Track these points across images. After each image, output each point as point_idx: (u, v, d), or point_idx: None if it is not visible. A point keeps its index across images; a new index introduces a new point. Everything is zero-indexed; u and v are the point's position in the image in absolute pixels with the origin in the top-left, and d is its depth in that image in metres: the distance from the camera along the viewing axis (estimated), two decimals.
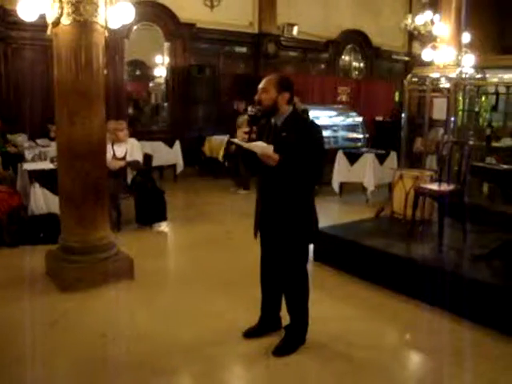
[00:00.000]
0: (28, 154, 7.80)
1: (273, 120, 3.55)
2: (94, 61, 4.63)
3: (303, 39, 13.38)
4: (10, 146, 8.52)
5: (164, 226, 7.05)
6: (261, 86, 3.53)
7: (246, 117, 9.46)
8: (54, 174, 5.19)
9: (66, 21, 4.44)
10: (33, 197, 6.40)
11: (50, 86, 4.87)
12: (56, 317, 4.18)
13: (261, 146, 3.32)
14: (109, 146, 6.45)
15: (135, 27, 10.56)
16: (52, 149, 7.58)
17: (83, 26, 4.49)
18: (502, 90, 8.19)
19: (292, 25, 12.93)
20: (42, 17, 4.60)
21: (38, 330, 3.96)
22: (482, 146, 8.16)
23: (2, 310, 4.31)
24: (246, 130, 3.48)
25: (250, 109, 3.52)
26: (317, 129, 3.53)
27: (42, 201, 6.42)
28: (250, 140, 3.42)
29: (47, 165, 6.90)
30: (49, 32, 4.59)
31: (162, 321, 4.19)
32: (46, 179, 6.40)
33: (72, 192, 4.78)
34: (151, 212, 6.89)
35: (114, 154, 6.74)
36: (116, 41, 10.04)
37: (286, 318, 3.79)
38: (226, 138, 10.15)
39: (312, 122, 3.60)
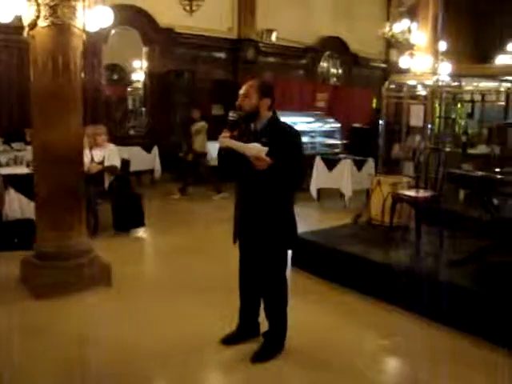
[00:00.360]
0: (3, 158, 7.67)
1: (252, 125, 3.54)
2: (71, 64, 4.58)
3: (282, 45, 13.45)
4: None
5: (141, 232, 6.99)
6: (242, 91, 3.51)
7: (202, 123, 9.47)
8: (30, 179, 5.11)
9: (42, 23, 4.39)
10: (7, 202, 6.29)
11: (26, 89, 4.80)
12: (31, 324, 4.11)
13: (256, 149, 3.27)
14: (87, 151, 6.39)
15: (113, 31, 10.49)
16: (28, 153, 7.47)
17: (61, 28, 4.44)
18: (477, 97, 8.31)
19: (271, 30, 12.98)
20: (18, 18, 4.54)
21: (13, 336, 3.90)
22: (459, 152, 8.27)
23: None
24: (227, 135, 3.45)
25: (230, 114, 3.50)
26: (296, 134, 3.54)
27: (17, 206, 6.31)
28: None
29: (22, 169, 6.80)
30: (25, 34, 4.53)
31: (139, 327, 4.14)
32: (21, 184, 6.30)
33: (48, 197, 4.71)
34: (128, 218, 6.82)
35: (92, 159, 6.68)
36: (94, 44, 9.94)
37: (264, 324, 3.77)
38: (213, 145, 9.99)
39: (291, 127, 3.60)
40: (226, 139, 3.41)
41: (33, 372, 3.46)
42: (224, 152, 3.48)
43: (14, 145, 8.67)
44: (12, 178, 6.44)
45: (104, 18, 4.62)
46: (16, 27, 4.79)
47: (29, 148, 7.31)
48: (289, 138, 3.46)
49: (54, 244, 4.74)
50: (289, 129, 3.56)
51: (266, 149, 3.26)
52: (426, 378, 3.55)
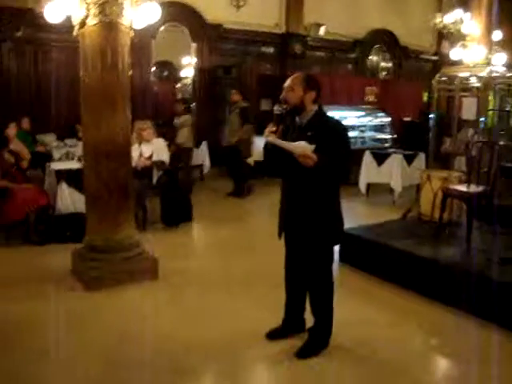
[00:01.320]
0: (56, 154, 7.90)
1: (297, 119, 3.51)
2: (119, 61, 4.66)
3: (330, 39, 13.29)
4: (39, 145, 8.66)
5: (189, 226, 7.06)
6: (287, 84, 3.48)
7: (186, 117, 9.19)
8: (81, 174, 5.24)
9: (91, 22, 4.48)
10: (60, 196, 6.48)
11: (77, 86, 4.91)
12: (80, 315, 4.22)
13: (303, 147, 3.20)
14: (136, 146, 6.51)
15: (162, 28, 10.63)
16: (79, 148, 7.66)
17: (109, 26, 4.52)
18: None
19: (319, 25, 12.84)
20: (69, 18, 4.65)
21: (62, 327, 4.00)
22: None
23: (27, 306, 4.35)
24: (273, 129, 3.43)
25: (276, 108, 3.47)
26: (343, 128, 3.49)
27: (69, 200, 6.49)
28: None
29: (74, 164, 6.98)
30: (75, 33, 4.63)
31: (185, 321, 4.19)
32: (73, 178, 6.48)
33: (97, 191, 4.81)
34: (177, 212, 6.91)
35: (141, 154, 6.79)
36: (143, 41, 10.11)
37: (310, 320, 3.74)
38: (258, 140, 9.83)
39: (338, 122, 3.54)
40: (271, 137, 3.39)
41: (79, 362, 3.54)
42: (270, 147, 3.45)
43: (67, 141, 8.93)
44: (64, 173, 6.64)
45: (151, 15, 4.66)
46: (67, 27, 4.89)
47: (80, 143, 7.48)
48: (335, 133, 3.40)
49: (103, 237, 4.84)
50: (335, 123, 3.50)
51: (312, 146, 3.20)
52: (474, 379, 3.44)
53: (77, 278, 4.94)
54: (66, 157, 7.63)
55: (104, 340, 3.84)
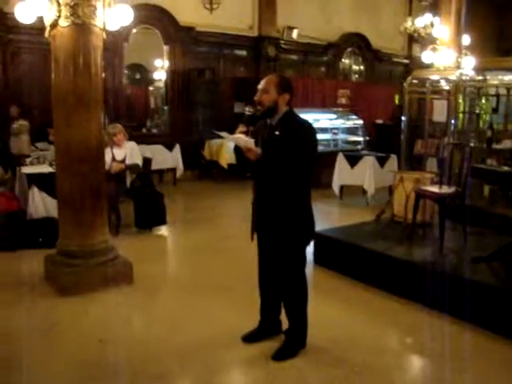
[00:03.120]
0: (27, 158, 7.77)
1: (268, 120, 3.53)
2: (92, 64, 4.61)
3: (303, 42, 13.38)
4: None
5: (163, 230, 7.02)
6: (261, 86, 3.49)
7: (22, 122, 8.56)
8: (53, 178, 5.17)
9: (63, 23, 4.42)
10: (31, 200, 6.37)
11: (49, 89, 4.84)
12: (54, 321, 4.15)
13: (244, 139, 3.33)
14: (108, 150, 6.43)
15: (134, 30, 10.56)
16: (51, 152, 7.55)
17: (81, 28, 4.47)
18: (502, 91, 8.15)
19: (292, 28, 12.92)
20: (41, 19, 4.58)
21: (36, 334, 3.93)
22: (483, 147, 8.13)
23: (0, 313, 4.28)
24: (243, 129, 3.45)
25: (247, 109, 3.49)
26: (310, 129, 3.50)
27: (41, 204, 6.39)
28: None
29: (46, 168, 6.87)
30: (47, 35, 4.57)
31: (161, 325, 4.16)
32: (44, 183, 6.37)
33: (70, 195, 4.75)
34: (150, 216, 6.85)
35: (114, 157, 6.72)
36: (115, 44, 10.04)
37: (286, 321, 3.75)
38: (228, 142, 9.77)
39: (305, 122, 3.54)
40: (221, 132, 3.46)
41: (53, 369, 3.48)
42: (238, 147, 3.47)
43: (38, 144, 8.79)
44: (36, 177, 6.53)
45: (124, 17, 4.63)
46: (38, 28, 4.83)
47: (52, 147, 7.39)
48: (301, 132, 3.42)
49: (77, 242, 4.78)
50: (302, 123, 3.52)
51: (251, 140, 3.31)
52: (449, 377, 3.49)
53: (50, 283, 4.87)
54: (38, 161, 7.51)
55: (79, 346, 3.79)
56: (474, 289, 4.15)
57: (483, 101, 8.78)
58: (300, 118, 3.54)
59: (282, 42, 12.93)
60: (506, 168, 5.80)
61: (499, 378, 3.47)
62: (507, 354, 3.74)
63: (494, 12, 15.77)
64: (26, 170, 6.89)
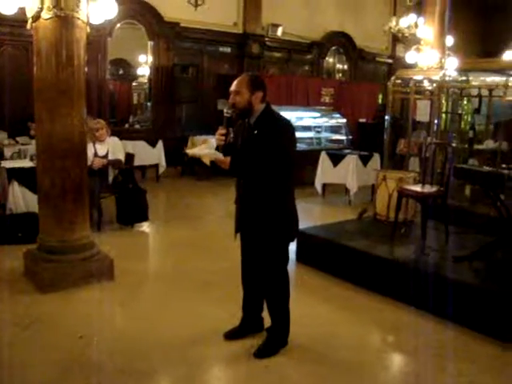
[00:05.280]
0: (7, 152, 7.66)
1: (247, 119, 3.52)
2: (75, 57, 4.54)
3: (288, 40, 13.39)
4: None
5: (145, 227, 6.98)
6: (233, 88, 3.47)
7: None
8: (34, 172, 5.09)
9: (46, 15, 4.34)
10: (11, 195, 6.28)
11: (31, 83, 4.77)
12: (34, 317, 4.09)
13: (210, 154, 3.43)
14: (90, 145, 6.36)
15: (118, 25, 10.48)
16: (32, 147, 7.45)
17: (64, 21, 4.40)
18: (484, 92, 8.23)
19: (276, 25, 12.93)
20: (23, 11, 4.51)
21: (15, 331, 3.87)
22: (465, 148, 8.21)
23: None
24: (223, 131, 3.44)
25: (225, 110, 3.48)
26: (288, 127, 3.48)
27: (21, 199, 6.30)
28: (226, 142, 3.42)
29: (27, 163, 6.78)
30: (28, 26, 4.49)
31: (142, 322, 4.12)
32: (25, 177, 6.28)
33: (51, 191, 4.68)
34: (132, 212, 6.80)
35: (96, 153, 6.65)
36: (99, 39, 9.95)
37: (268, 319, 3.74)
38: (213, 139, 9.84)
39: (283, 120, 3.52)
40: (192, 150, 3.50)
41: (35, 366, 3.43)
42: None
43: (18, 139, 8.67)
44: (16, 172, 6.42)
45: (108, 11, 4.58)
46: (20, 20, 4.76)
47: (33, 142, 7.30)
48: (278, 130, 3.40)
49: (57, 238, 4.72)
50: (280, 121, 3.50)
51: (215, 152, 3.40)
52: (430, 375, 3.51)
53: (30, 280, 4.80)
54: (18, 155, 7.41)
55: (60, 343, 3.74)
56: (455, 288, 4.18)
57: (465, 101, 8.86)
58: (278, 115, 3.53)
59: (267, 39, 12.93)
60: (487, 168, 5.85)
61: (481, 375, 3.49)
62: (489, 352, 3.77)
63: (478, 14, 15.93)
64: (7, 164, 6.78)
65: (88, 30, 4.62)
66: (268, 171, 3.36)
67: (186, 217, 7.76)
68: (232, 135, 3.48)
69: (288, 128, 3.47)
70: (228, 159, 3.36)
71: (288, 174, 3.48)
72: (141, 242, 6.60)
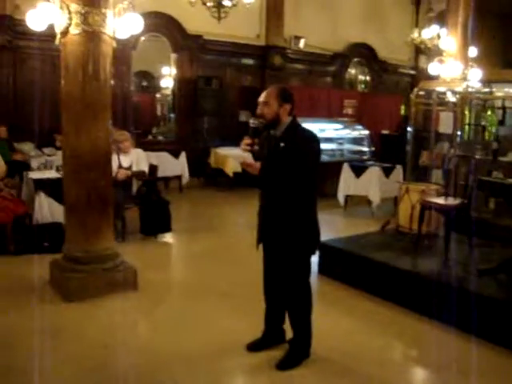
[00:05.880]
0: (34, 163, 7.81)
1: (272, 131, 3.55)
2: (101, 71, 4.65)
3: (310, 52, 13.42)
4: (17, 154, 8.55)
5: (168, 237, 7.03)
6: (261, 99, 3.52)
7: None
8: (60, 183, 5.19)
9: (74, 31, 4.46)
10: (38, 205, 6.39)
11: (57, 95, 4.88)
12: (59, 327, 4.16)
13: (242, 156, 3.48)
14: (115, 156, 6.46)
15: (142, 38, 10.62)
16: (58, 158, 7.59)
17: (91, 36, 4.51)
18: (508, 104, 8.15)
19: (299, 37, 12.97)
20: (50, 26, 4.62)
21: (41, 339, 3.92)
22: (489, 160, 8.13)
23: (5, 318, 4.29)
24: (248, 141, 3.49)
25: (251, 121, 3.52)
26: (314, 140, 3.52)
27: (47, 210, 6.41)
28: (251, 152, 3.46)
29: (53, 174, 6.90)
30: (57, 42, 4.60)
31: (165, 332, 4.16)
32: (51, 188, 6.40)
33: (77, 201, 4.77)
34: (156, 223, 6.87)
35: (120, 164, 6.74)
36: (123, 51, 10.10)
37: (290, 330, 3.75)
38: (235, 151, 9.87)
39: (309, 133, 3.56)
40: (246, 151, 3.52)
41: (59, 375, 3.48)
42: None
43: (45, 150, 8.83)
44: (43, 183, 6.55)
45: (134, 25, 4.66)
46: (46, 35, 4.87)
47: (59, 153, 7.43)
48: (305, 144, 3.44)
49: (82, 248, 4.79)
50: (306, 134, 3.54)
51: (249, 155, 3.43)
52: None
53: (55, 289, 4.88)
54: (44, 166, 7.55)
55: (85, 352, 3.79)
56: (479, 301, 4.14)
57: (489, 113, 8.78)
58: (304, 128, 3.57)
59: (289, 51, 12.98)
60: (511, 180, 5.80)
61: None
62: None
63: (501, 24, 15.79)
64: (33, 175, 6.92)
65: (114, 44, 4.72)
66: (293, 183, 3.39)
67: (209, 227, 7.80)
68: (256, 146, 3.52)
69: (314, 142, 3.51)
70: (258, 164, 3.40)
71: (312, 186, 3.52)
72: (164, 253, 6.66)
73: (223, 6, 8.00)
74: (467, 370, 3.70)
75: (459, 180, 6.26)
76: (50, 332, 4.05)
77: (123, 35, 4.71)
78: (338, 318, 4.54)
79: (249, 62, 12.56)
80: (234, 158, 9.81)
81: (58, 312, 4.45)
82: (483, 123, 8.55)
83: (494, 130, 8.62)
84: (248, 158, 3.43)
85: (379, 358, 3.87)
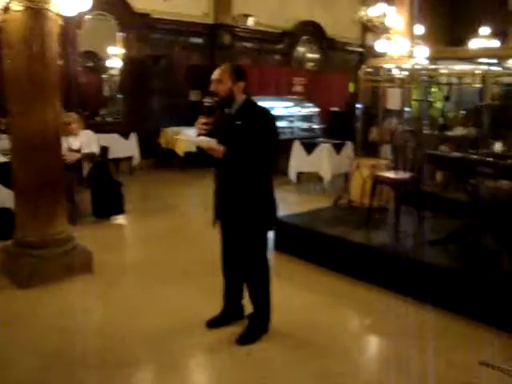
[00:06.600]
0: None
1: (227, 109, 3.55)
2: (47, 50, 4.50)
3: (258, 30, 13.36)
4: None
5: (122, 219, 6.96)
6: (215, 76, 3.50)
7: None
8: (7, 167, 5.03)
9: (16, 7, 4.29)
10: None
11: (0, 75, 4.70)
12: (13, 313, 4.08)
13: (205, 140, 3.40)
14: (63, 139, 6.29)
15: (88, 16, 10.32)
16: (3, 142, 7.32)
17: (35, 13, 4.35)
18: (453, 80, 8.39)
19: (247, 15, 12.89)
20: None
21: None
22: (436, 135, 8.36)
23: None
24: (203, 121, 3.47)
25: (205, 100, 3.51)
26: (270, 117, 3.56)
27: None
28: (207, 132, 3.44)
29: None
30: None
31: (123, 314, 4.14)
32: None
33: (28, 186, 4.64)
34: (108, 205, 6.78)
35: (69, 147, 6.59)
36: (68, 30, 9.79)
37: (249, 306, 3.80)
38: (186, 130, 9.80)
39: (266, 110, 3.58)
40: (202, 131, 3.46)
41: (15, 362, 3.43)
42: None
43: None
44: None
45: (82, 2, 4.53)
46: None
47: (4, 136, 7.17)
48: (262, 121, 3.47)
49: (34, 233, 4.68)
50: (263, 111, 3.56)
51: (213, 140, 3.38)
52: (408, 355, 3.61)
53: (7, 275, 4.76)
54: None
55: (43, 338, 3.73)
56: (430, 271, 4.30)
57: (435, 89, 9.02)
58: (259, 105, 3.58)
59: (238, 29, 12.89)
60: (457, 154, 5.99)
61: (459, 354, 3.60)
62: (466, 332, 3.89)
63: (447, 2, 16.14)
64: None
65: (60, 22, 4.58)
66: (254, 160, 3.41)
67: (162, 208, 7.76)
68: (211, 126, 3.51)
69: (271, 117, 3.55)
70: (222, 147, 3.36)
71: (271, 162, 3.55)
72: (118, 235, 6.59)
73: None
74: (420, 335, 3.84)
75: (408, 154, 6.41)
76: (6, 319, 3.98)
77: (70, 12, 4.58)
78: (294, 292, 4.63)
79: (197, 40, 12.42)
80: (185, 137, 9.74)
81: (10, 299, 4.35)
82: (430, 99, 8.77)
83: (440, 105, 8.87)
84: (212, 141, 3.38)
85: (335, 329, 3.98)
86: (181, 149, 10.15)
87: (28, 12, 4.35)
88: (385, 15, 10.91)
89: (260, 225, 3.59)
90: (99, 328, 3.88)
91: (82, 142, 6.72)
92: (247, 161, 3.40)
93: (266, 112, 3.56)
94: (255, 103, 3.57)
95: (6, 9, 4.34)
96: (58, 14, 4.53)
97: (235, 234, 3.65)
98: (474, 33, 14.64)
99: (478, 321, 3.96)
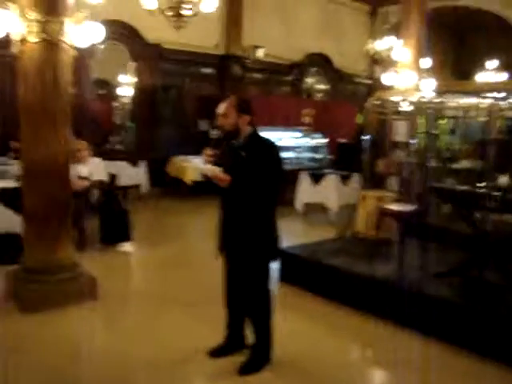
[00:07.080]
0: None
1: (234, 141, 3.62)
2: (60, 80, 4.62)
3: (268, 61, 13.56)
4: None
5: (128, 246, 7.00)
6: (220, 111, 3.59)
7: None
8: (17, 193, 5.11)
9: (32, 39, 4.43)
10: None
11: (12, 102, 4.81)
12: (18, 340, 4.10)
13: (211, 169, 3.48)
14: (73, 166, 6.38)
15: (101, 46, 10.52)
16: (13, 167, 7.42)
17: (50, 44, 4.49)
18: (459, 113, 8.44)
19: (257, 47, 13.11)
20: (6, 33, 4.57)
21: (3, 353, 3.86)
22: (442, 167, 8.37)
23: None
24: (210, 152, 3.55)
25: (213, 132, 3.60)
26: (274, 148, 3.62)
27: (4, 220, 6.27)
28: (214, 163, 3.52)
29: (9, 183, 6.76)
30: (15, 49, 4.55)
31: (127, 341, 4.15)
32: (8, 198, 6.26)
33: (35, 211, 4.72)
34: (115, 232, 6.83)
35: (79, 174, 6.68)
36: (81, 59, 9.98)
37: (250, 336, 3.80)
38: (194, 159, 9.93)
39: (270, 142, 3.65)
40: (209, 162, 3.54)
41: None
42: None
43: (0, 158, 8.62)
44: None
45: (95, 34, 4.66)
46: (7, 41, 4.81)
47: (16, 162, 7.27)
48: (266, 153, 3.54)
49: (41, 258, 4.74)
50: (267, 143, 3.63)
51: (219, 169, 3.45)
52: None
53: (13, 300, 4.79)
54: (1, 175, 7.37)
55: (45, 364, 3.75)
56: (433, 304, 4.29)
57: (442, 122, 9.06)
58: (264, 137, 3.65)
59: (248, 60, 13.09)
60: (463, 187, 6.01)
61: None
62: (468, 367, 3.87)
63: (453, 38, 16.32)
64: None
65: (74, 53, 4.70)
66: (258, 192, 3.46)
67: (169, 236, 7.79)
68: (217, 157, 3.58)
69: (276, 149, 3.62)
70: (228, 177, 3.43)
71: (275, 194, 3.60)
72: (124, 262, 6.62)
73: (182, 16, 8.00)
74: (422, 368, 3.83)
75: (414, 187, 6.44)
76: (10, 344, 4.00)
77: (83, 44, 4.70)
78: (297, 323, 4.62)
79: (208, 71, 12.62)
80: (193, 166, 9.85)
81: (16, 324, 4.38)
82: (436, 132, 8.81)
83: (446, 138, 8.90)
84: (217, 170, 3.46)
85: (338, 360, 3.97)
86: (188, 177, 10.23)
87: (44, 44, 4.49)
88: (392, 48, 11.06)
89: (262, 255, 3.62)
90: (100, 355, 3.89)
91: (91, 169, 6.82)
92: (251, 191, 3.46)
93: (270, 144, 3.63)
94: (259, 135, 3.64)
95: (23, 40, 4.48)
96: (71, 46, 4.66)
97: (238, 264, 3.68)
98: (481, 66, 14.78)
99: (481, 355, 3.93)
